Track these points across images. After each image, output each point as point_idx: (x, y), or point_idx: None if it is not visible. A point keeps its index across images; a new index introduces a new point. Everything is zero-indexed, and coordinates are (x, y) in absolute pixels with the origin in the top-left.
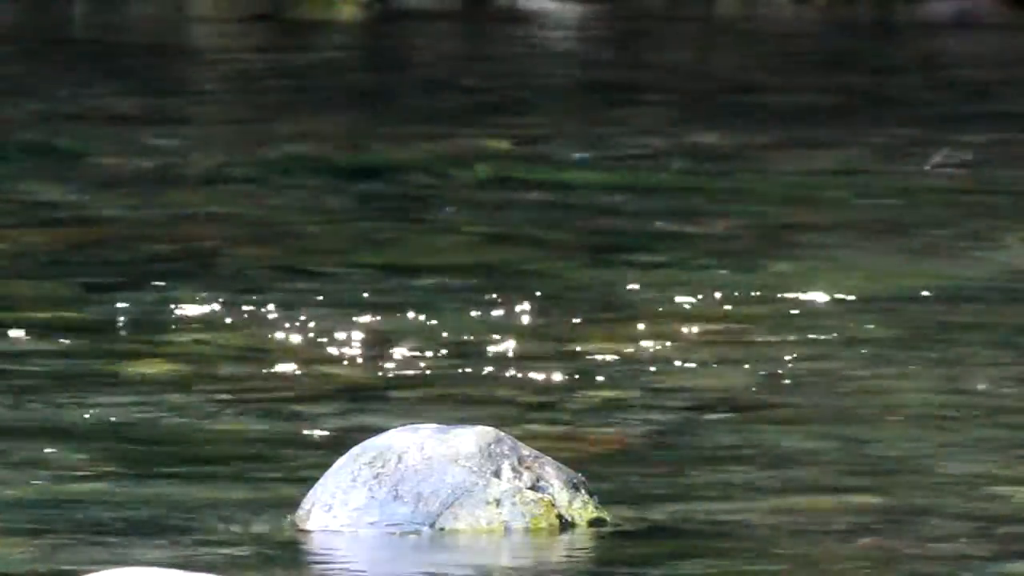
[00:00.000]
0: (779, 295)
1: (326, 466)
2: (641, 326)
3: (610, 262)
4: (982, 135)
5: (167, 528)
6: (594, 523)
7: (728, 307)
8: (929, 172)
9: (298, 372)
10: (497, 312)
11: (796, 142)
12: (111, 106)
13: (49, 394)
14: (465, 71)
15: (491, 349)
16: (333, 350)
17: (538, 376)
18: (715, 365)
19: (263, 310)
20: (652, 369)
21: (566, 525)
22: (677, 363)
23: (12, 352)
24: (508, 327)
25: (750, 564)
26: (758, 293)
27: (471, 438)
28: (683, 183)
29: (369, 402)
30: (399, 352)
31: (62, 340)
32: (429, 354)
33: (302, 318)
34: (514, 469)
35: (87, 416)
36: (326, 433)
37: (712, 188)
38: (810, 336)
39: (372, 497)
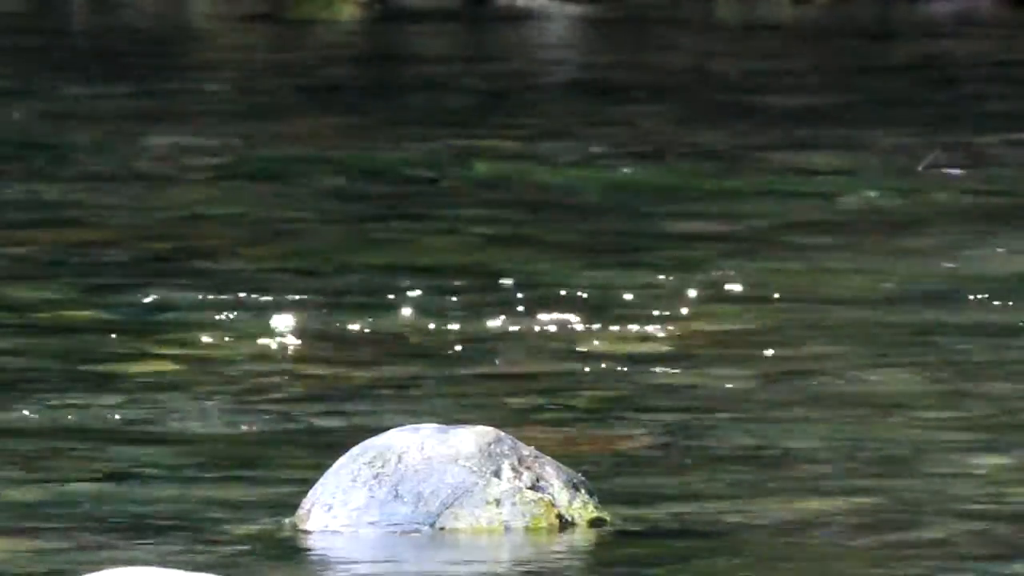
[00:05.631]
0: (779, 295)
1: (326, 466)
2: (641, 326)
3: (610, 262)
4: (982, 135)
5: (167, 528)
6: (594, 523)
7: (728, 307)
8: (924, 173)
9: (298, 372)
10: (497, 312)
11: (796, 142)
12: (111, 106)
13: (49, 394)
14: (465, 71)
15: (491, 349)
16: (333, 350)
17: (538, 376)
18: (715, 365)
19: (263, 310)
20: (652, 369)
21: (566, 525)
22: (677, 363)
23: (13, 352)
24: (508, 327)
25: (750, 564)
26: (758, 293)
27: (471, 438)
28: (683, 183)
29: (369, 402)
30: (399, 352)
31: (62, 340)
32: (429, 354)
33: (302, 318)
34: (514, 469)
35: (87, 416)
36: (326, 433)
37: (712, 188)
38: (810, 336)
39: (372, 497)
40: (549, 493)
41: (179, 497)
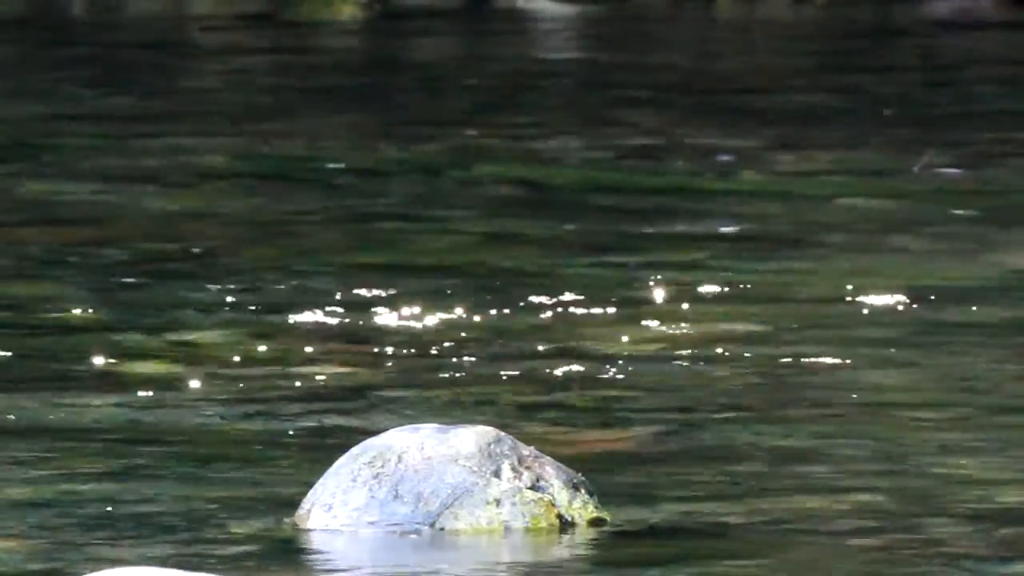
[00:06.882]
0: (779, 295)
1: (326, 466)
2: (641, 326)
3: (610, 262)
4: (982, 135)
5: (167, 528)
6: (594, 523)
7: (728, 307)
8: (921, 173)
9: (298, 372)
10: (497, 312)
11: (796, 142)
12: (111, 106)
13: (49, 394)
14: (465, 71)
15: (491, 349)
16: (334, 350)
17: (538, 376)
18: (715, 365)
19: (263, 310)
20: (652, 369)
21: (566, 525)
22: (677, 363)
23: (13, 352)
24: (508, 327)
25: (750, 564)
26: (758, 293)
27: (471, 438)
28: (683, 183)
29: (369, 402)
30: (399, 352)
31: (63, 340)
32: (429, 354)
33: (302, 318)
34: (514, 469)
35: (87, 416)
36: (326, 433)
37: (712, 188)
38: (810, 336)
39: (372, 497)
40: (549, 493)
41: (179, 497)
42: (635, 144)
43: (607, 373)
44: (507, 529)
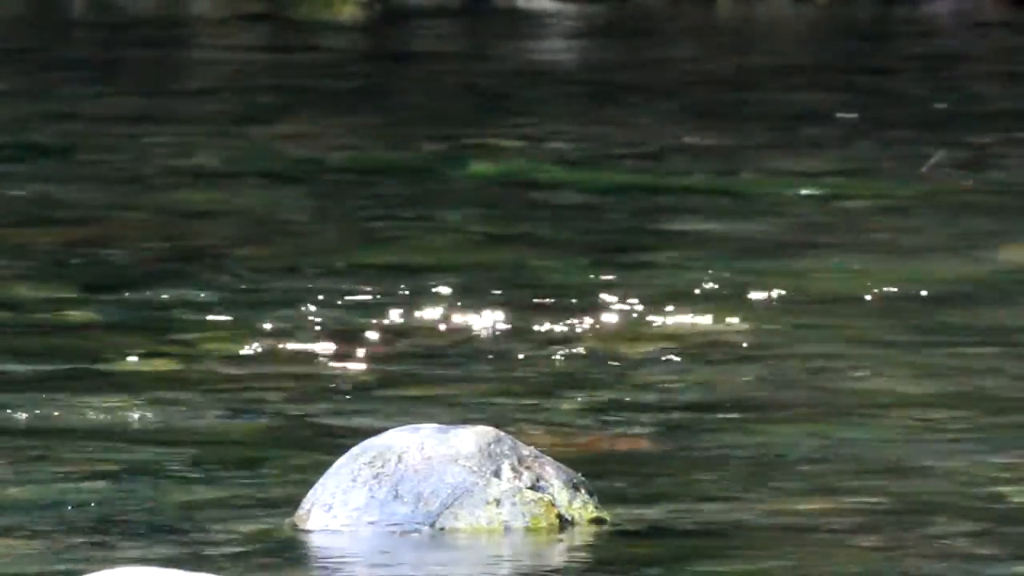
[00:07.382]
0: (779, 295)
1: (326, 466)
2: (641, 326)
3: (610, 262)
4: (982, 135)
5: (167, 528)
6: (594, 523)
7: (728, 307)
8: (926, 174)
9: (298, 372)
10: (497, 312)
11: (796, 142)
12: (111, 106)
13: (49, 394)
14: (465, 70)
15: (491, 349)
16: (333, 350)
17: (538, 376)
18: (715, 365)
19: (263, 310)
20: (652, 369)
21: (566, 525)
22: (677, 363)
23: (13, 351)
24: (508, 327)
25: (750, 564)
26: (758, 293)
27: (471, 438)
28: (682, 183)
29: (369, 402)
30: (399, 352)
31: (62, 340)
32: (429, 354)
33: (302, 318)
34: (514, 469)
35: (87, 416)
36: (326, 433)
37: (712, 188)
38: (810, 336)
39: (372, 497)
40: (549, 493)
41: (179, 497)
42: (635, 144)
43: (607, 373)
44: (507, 529)
